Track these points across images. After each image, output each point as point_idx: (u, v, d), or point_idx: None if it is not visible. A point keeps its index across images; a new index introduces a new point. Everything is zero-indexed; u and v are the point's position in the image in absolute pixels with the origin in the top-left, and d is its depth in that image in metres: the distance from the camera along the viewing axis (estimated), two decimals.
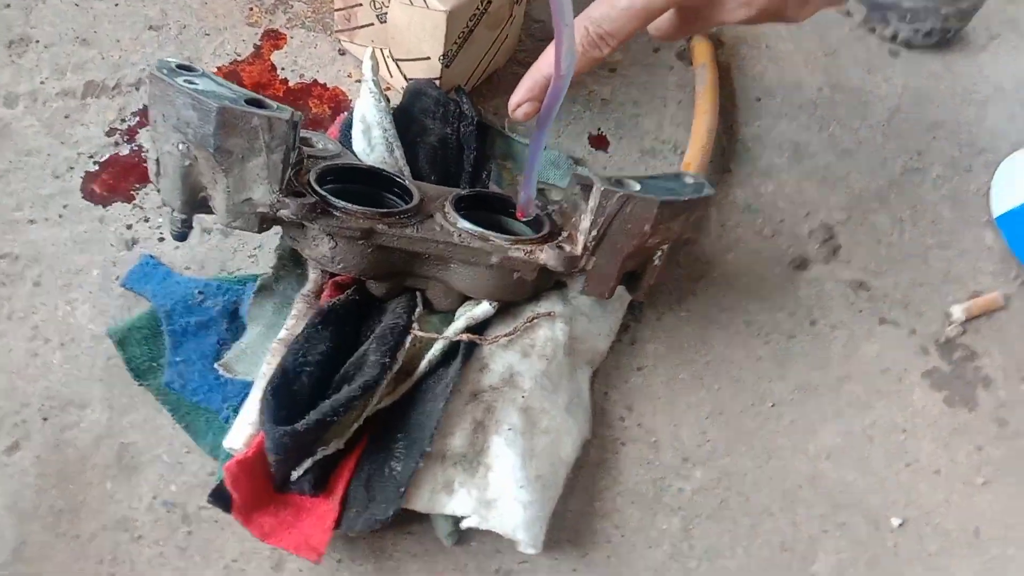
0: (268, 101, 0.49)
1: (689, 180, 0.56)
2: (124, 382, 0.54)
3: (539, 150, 0.49)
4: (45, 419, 0.52)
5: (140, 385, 0.54)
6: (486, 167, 0.64)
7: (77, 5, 0.70)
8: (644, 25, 0.48)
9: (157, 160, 0.50)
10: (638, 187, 0.51)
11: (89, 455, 0.52)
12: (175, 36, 0.70)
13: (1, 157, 0.62)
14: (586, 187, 0.53)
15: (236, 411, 0.51)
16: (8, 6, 0.69)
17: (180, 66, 0.49)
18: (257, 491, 0.47)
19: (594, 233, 0.51)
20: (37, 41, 0.68)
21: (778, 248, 0.68)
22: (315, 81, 0.70)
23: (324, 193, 0.50)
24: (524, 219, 0.55)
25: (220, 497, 0.47)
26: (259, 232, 0.50)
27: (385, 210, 0.51)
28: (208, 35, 0.70)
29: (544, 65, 0.51)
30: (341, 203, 0.50)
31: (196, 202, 0.51)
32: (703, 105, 0.68)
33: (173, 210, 0.51)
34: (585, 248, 0.52)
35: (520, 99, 0.52)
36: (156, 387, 0.54)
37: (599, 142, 0.70)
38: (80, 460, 0.52)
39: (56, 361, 0.55)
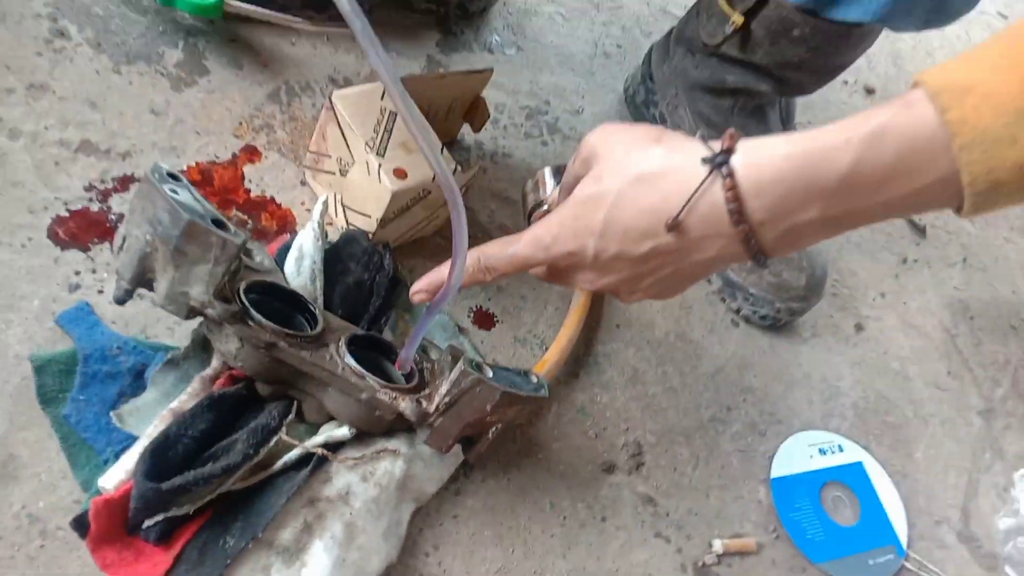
0: (229, 224, 0.61)
1: (534, 379, 0.71)
2: (29, 403, 0.63)
3: (425, 326, 0.63)
4: None
5: (42, 409, 0.63)
6: (387, 314, 0.77)
7: (98, 72, 0.83)
8: (520, 272, 0.64)
9: (124, 237, 0.62)
10: (491, 374, 0.66)
11: None
12: (170, 125, 0.83)
13: None
14: (455, 358, 0.67)
15: (116, 456, 0.61)
16: (40, 55, 0.81)
17: (170, 174, 0.62)
18: (112, 528, 0.57)
19: (447, 399, 0.65)
20: (54, 91, 0.80)
21: (595, 450, 0.82)
22: (272, 199, 0.83)
23: (247, 304, 0.63)
24: (400, 371, 0.68)
25: (80, 524, 0.57)
26: (185, 319, 0.62)
27: (290, 331, 0.64)
28: (198, 133, 0.84)
29: (443, 271, 0.65)
30: (257, 316, 0.62)
31: (143, 279, 0.62)
32: (572, 319, 0.84)
33: (122, 280, 0.62)
34: (437, 408, 0.65)
35: (418, 288, 0.66)
36: (55, 416, 0.63)
37: (484, 320, 0.85)
38: None
39: None
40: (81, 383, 0.64)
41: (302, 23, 0.91)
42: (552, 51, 1.10)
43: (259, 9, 0.88)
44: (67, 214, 0.74)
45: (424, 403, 0.66)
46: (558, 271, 0.63)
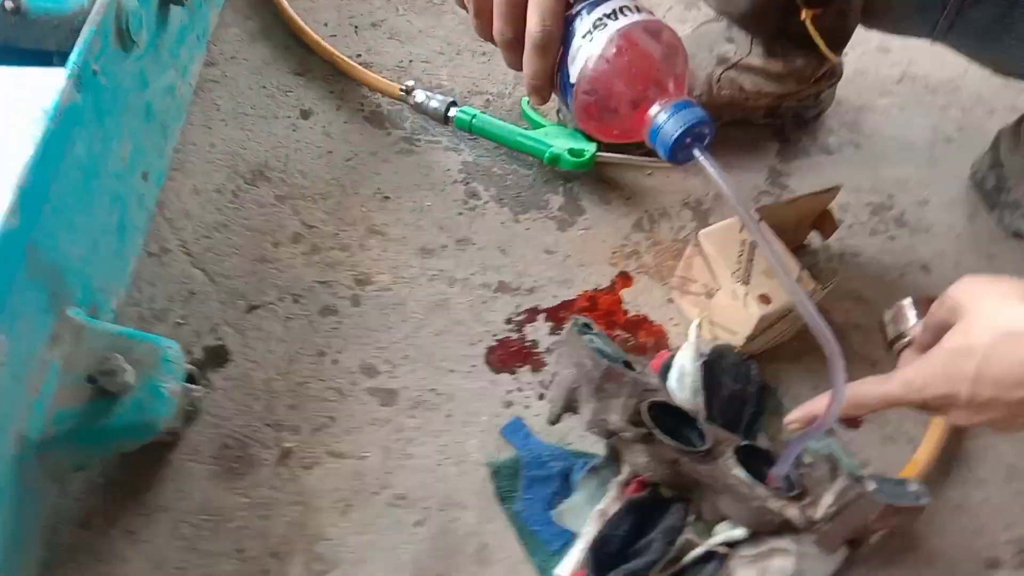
0: (635, 363, 0.76)
1: (913, 487, 0.76)
2: (490, 500, 0.83)
3: (795, 451, 0.72)
4: (441, 510, 0.82)
5: (501, 506, 0.82)
6: (759, 421, 0.88)
7: (503, 223, 1.04)
8: (890, 407, 0.70)
9: (554, 374, 0.80)
10: (872, 487, 0.73)
11: (462, 543, 0.80)
12: (560, 261, 1.01)
13: (440, 320, 0.95)
14: (832, 469, 0.76)
15: (562, 548, 0.77)
16: (461, 214, 1.04)
17: (585, 324, 0.79)
18: None
19: (832, 509, 0.73)
20: (474, 243, 1.02)
21: (975, 545, 0.85)
22: (646, 318, 0.97)
23: (653, 427, 0.77)
24: (770, 484, 0.77)
25: None
26: (603, 439, 0.78)
27: (691, 449, 0.76)
28: (582, 266, 1.01)
29: (817, 405, 0.74)
30: (662, 437, 0.76)
31: (570, 407, 0.79)
32: (939, 421, 0.88)
33: (554, 407, 0.80)
34: (823, 518, 0.74)
35: (793, 419, 0.76)
36: (510, 511, 0.82)
37: (851, 419, 0.92)
38: (456, 545, 0.80)
39: (452, 472, 0.84)
40: (525, 484, 0.83)
41: (656, 161, 1.05)
42: (891, 143, 1.14)
43: (622, 156, 1.05)
44: (495, 344, 0.94)
45: (810, 511, 0.74)
46: (929, 408, 0.69)
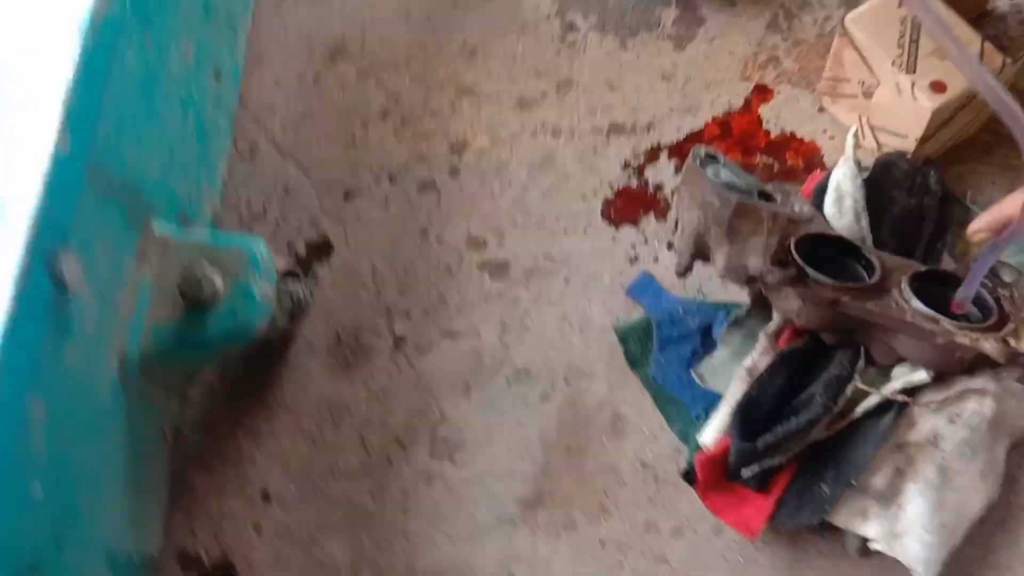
0: (773, 194, 0.63)
1: None
2: (620, 366, 0.74)
3: (986, 265, 0.57)
4: (566, 382, 0.74)
5: (632, 371, 0.73)
6: (943, 238, 0.72)
7: (608, 55, 0.90)
8: None
9: (676, 220, 0.68)
10: None
11: (593, 415, 0.73)
12: (681, 87, 0.86)
13: (547, 178, 0.84)
14: None
15: (706, 413, 0.67)
16: (559, 53, 0.91)
17: (708, 155, 0.66)
18: (716, 478, 0.64)
19: None
20: (577, 84, 0.89)
21: None
22: (793, 135, 0.82)
23: (803, 264, 0.63)
24: (957, 312, 0.62)
25: (688, 476, 0.65)
26: (743, 287, 0.65)
27: (851, 284, 0.63)
28: (708, 87, 0.86)
29: (1007, 207, 0.57)
30: (815, 275, 0.63)
31: (700, 254, 0.67)
32: None
33: (682, 257, 0.68)
34: None
35: (978, 227, 0.60)
36: (643, 376, 0.73)
37: None
38: (586, 417, 0.73)
39: (576, 341, 0.76)
40: (659, 345, 0.73)
41: None
42: None
43: None
44: (613, 195, 0.82)
45: (1012, 341, 0.60)
46: None
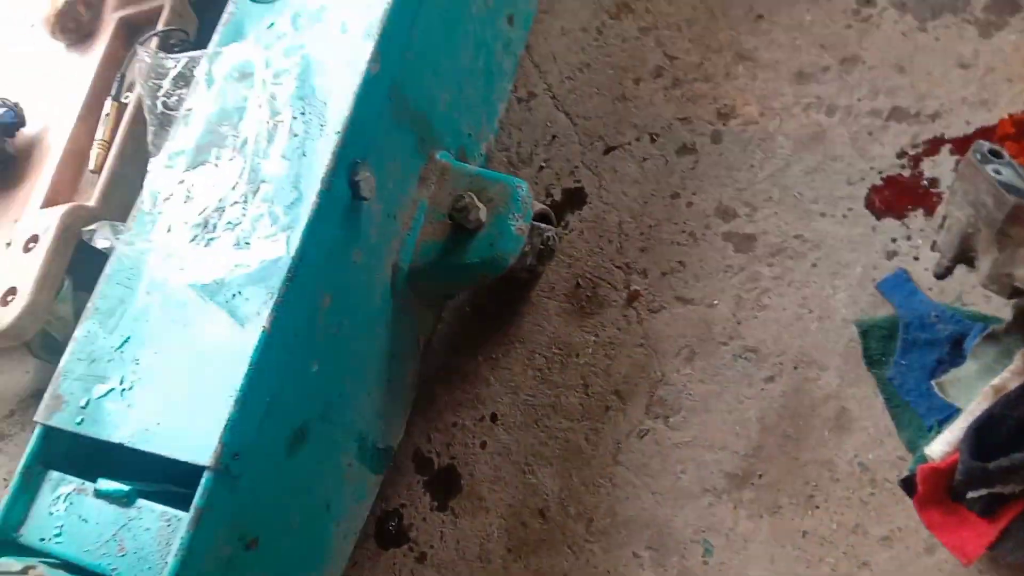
0: None
1: None
2: (856, 363, 0.72)
3: None
4: (795, 368, 0.74)
5: (868, 370, 0.71)
6: None
7: (904, 35, 0.84)
8: None
9: (944, 217, 0.64)
10: None
11: (817, 406, 0.72)
12: (979, 77, 0.80)
13: (812, 156, 0.82)
14: None
15: (939, 425, 0.64)
16: (849, 27, 0.87)
17: (992, 151, 0.61)
18: (937, 493, 0.61)
19: None
20: (864, 62, 0.85)
21: None
22: None
23: None
24: None
25: (908, 485, 0.63)
26: (1008, 299, 0.61)
27: None
28: (1010, 81, 0.78)
29: None
30: None
31: (964, 258, 0.63)
32: None
33: (944, 257, 0.64)
34: None
35: None
36: (879, 377, 0.70)
37: None
38: (811, 406, 0.72)
39: (813, 328, 0.75)
40: (902, 348, 0.70)
41: None
42: None
43: None
44: (881, 183, 0.79)
45: None
46: None
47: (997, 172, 0.60)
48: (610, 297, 0.82)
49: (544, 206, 0.86)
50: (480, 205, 0.77)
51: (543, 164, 0.92)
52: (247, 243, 0.67)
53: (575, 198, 0.89)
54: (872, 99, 0.83)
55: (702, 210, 0.84)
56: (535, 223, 0.81)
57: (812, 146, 0.82)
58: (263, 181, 0.71)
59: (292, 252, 0.66)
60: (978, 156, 0.61)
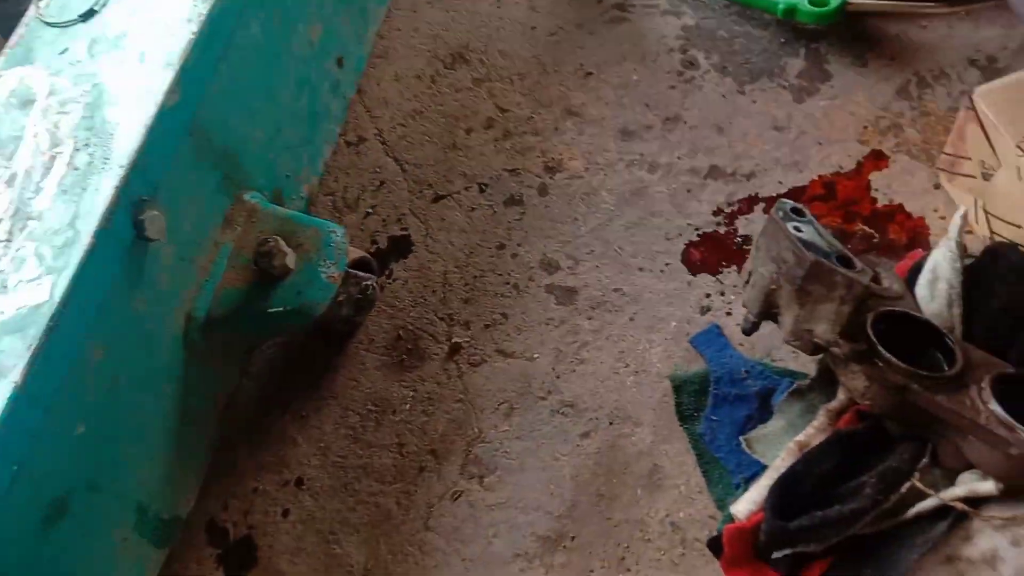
0: (855, 260, 0.58)
1: None
2: (670, 418, 0.71)
3: None
4: (611, 423, 0.72)
5: (681, 426, 0.70)
6: None
7: (724, 96, 0.87)
8: None
9: (750, 272, 0.64)
10: None
11: (631, 463, 0.70)
12: (792, 139, 0.83)
13: (634, 212, 0.82)
14: None
15: (746, 482, 0.63)
16: (673, 88, 0.89)
17: (794, 209, 0.62)
18: (744, 553, 0.60)
19: None
20: (685, 121, 0.87)
21: None
22: (901, 208, 0.76)
23: (875, 341, 0.59)
24: None
25: (715, 545, 0.61)
26: (811, 355, 0.61)
27: (924, 372, 0.58)
28: (820, 144, 0.82)
29: None
30: (886, 356, 0.58)
31: (769, 313, 0.63)
32: None
33: (750, 313, 0.65)
34: None
35: None
36: (691, 432, 0.69)
37: None
38: (624, 463, 0.70)
39: (629, 383, 0.73)
40: (713, 404, 0.69)
41: (935, 6, 0.81)
42: None
43: (884, 2, 0.82)
44: (698, 239, 0.79)
45: None
46: None
47: (798, 230, 0.61)
48: (431, 350, 0.79)
49: (364, 253, 0.81)
50: (287, 250, 0.72)
51: (369, 210, 0.88)
52: (4, 287, 0.60)
53: (401, 246, 0.86)
54: (692, 158, 0.84)
55: (527, 262, 0.82)
56: (352, 271, 0.76)
57: (634, 201, 0.83)
58: (32, 218, 0.63)
59: (57, 298, 0.59)
60: (780, 214, 0.61)
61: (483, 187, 0.87)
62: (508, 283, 0.81)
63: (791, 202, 0.63)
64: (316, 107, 0.88)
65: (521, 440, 0.72)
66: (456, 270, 0.83)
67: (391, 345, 0.80)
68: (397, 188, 0.89)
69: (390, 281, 0.84)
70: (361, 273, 0.79)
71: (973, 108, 0.66)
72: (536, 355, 0.76)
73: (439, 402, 0.76)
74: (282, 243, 0.72)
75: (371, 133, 0.93)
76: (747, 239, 0.78)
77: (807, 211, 0.63)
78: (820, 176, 0.80)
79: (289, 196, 0.83)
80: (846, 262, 0.58)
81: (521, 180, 0.87)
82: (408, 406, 0.76)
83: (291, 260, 0.72)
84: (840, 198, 0.78)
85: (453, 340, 0.79)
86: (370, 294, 0.81)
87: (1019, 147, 0.63)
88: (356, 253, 0.79)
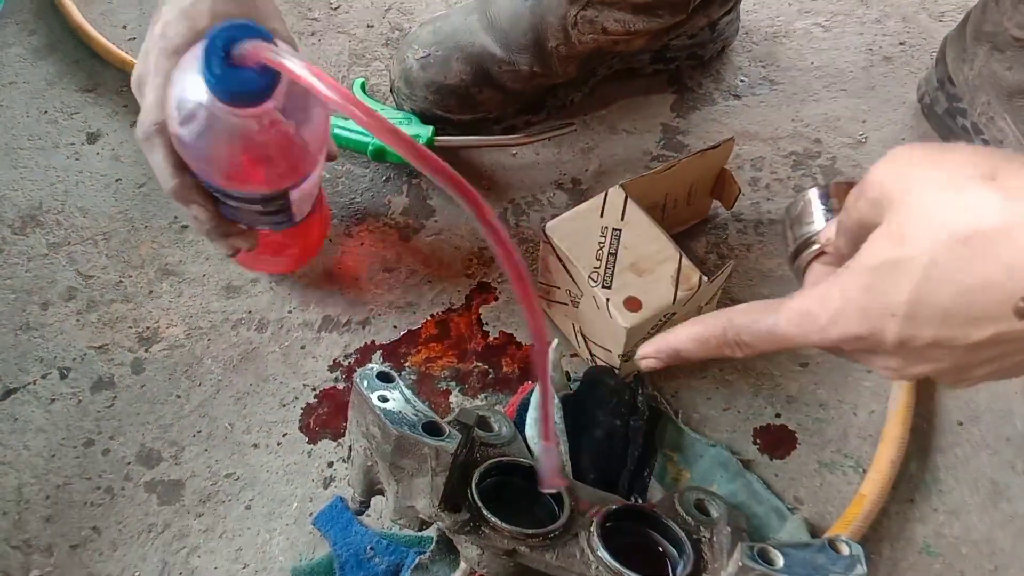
0: (443, 427, 0.55)
1: (844, 551, 0.55)
2: None
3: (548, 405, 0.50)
4: None
5: None
6: (650, 463, 0.66)
7: (331, 241, 0.83)
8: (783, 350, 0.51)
9: (350, 447, 0.59)
10: (781, 562, 0.51)
11: None
12: (403, 280, 0.80)
13: (244, 379, 0.74)
14: (738, 531, 0.54)
15: None
16: None
17: (380, 374, 0.58)
18: None
19: None
20: (293, 273, 0.81)
21: None
22: (512, 339, 0.76)
23: (480, 507, 0.55)
24: (549, 489, 0.54)
25: None
26: (419, 531, 0.56)
27: (529, 532, 0.55)
28: (430, 283, 0.80)
29: (681, 334, 0.53)
30: (493, 520, 0.55)
31: (373, 491, 0.58)
32: (892, 430, 0.66)
33: (355, 493, 0.59)
34: None
35: (646, 353, 0.55)
36: None
37: (775, 443, 0.70)
38: None
39: None
40: None
41: (515, 138, 0.84)
42: (815, 74, 0.91)
43: (469, 139, 0.83)
44: (315, 400, 0.73)
45: None
46: (843, 354, 0.47)
47: (384, 399, 0.56)
48: None
49: None
50: None
51: None
52: None
53: None
54: (304, 310, 0.78)
55: (121, 457, 0.70)
56: None
57: (243, 367, 0.75)
58: None
59: None
60: (365, 383, 0.57)
61: (64, 372, 0.74)
62: (99, 487, 0.69)
63: (377, 366, 0.59)
64: None
65: None
66: (34, 480, 0.69)
67: None
68: None
69: None
70: None
71: (548, 240, 0.67)
72: (137, 573, 0.64)
73: None
74: None
75: None
76: None
77: (395, 375, 0.59)
78: (433, 315, 0.78)
79: None
80: (433, 430, 0.55)
81: (111, 358, 0.75)
82: None
83: None
84: (453, 336, 0.76)
85: (31, 573, 0.65)
86: None
87: (591, 278, 0.65)
88: None
